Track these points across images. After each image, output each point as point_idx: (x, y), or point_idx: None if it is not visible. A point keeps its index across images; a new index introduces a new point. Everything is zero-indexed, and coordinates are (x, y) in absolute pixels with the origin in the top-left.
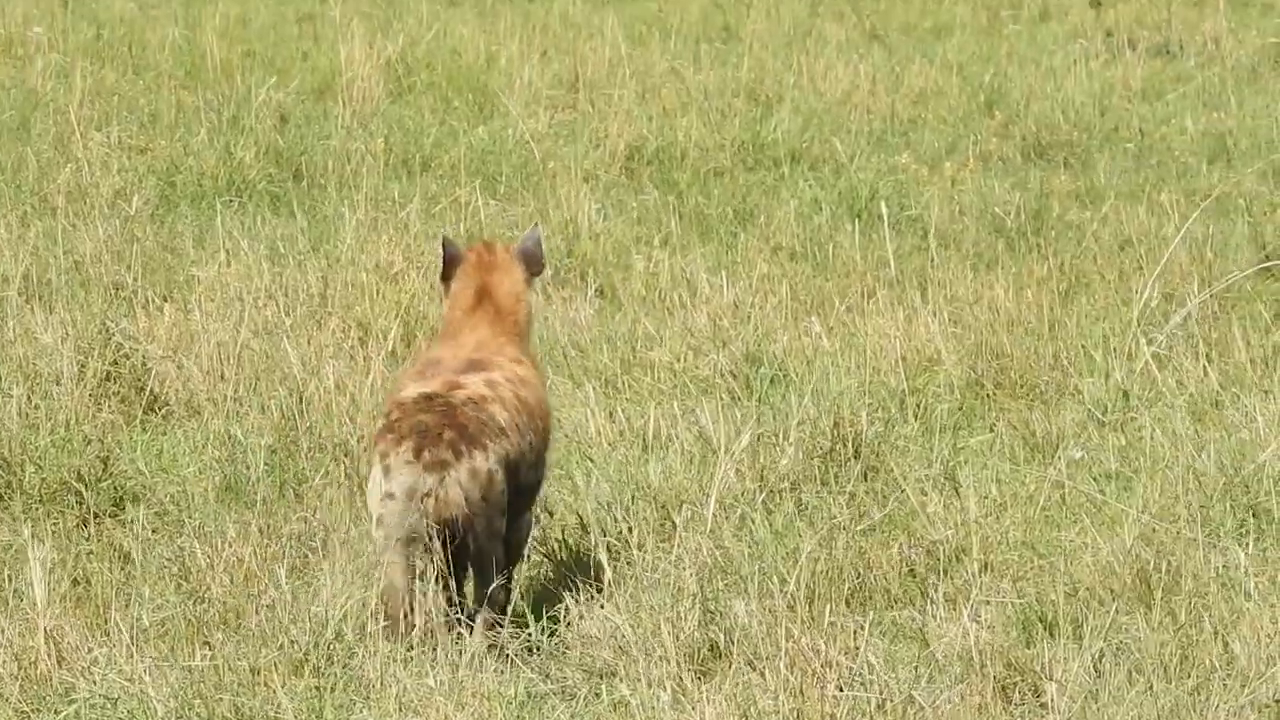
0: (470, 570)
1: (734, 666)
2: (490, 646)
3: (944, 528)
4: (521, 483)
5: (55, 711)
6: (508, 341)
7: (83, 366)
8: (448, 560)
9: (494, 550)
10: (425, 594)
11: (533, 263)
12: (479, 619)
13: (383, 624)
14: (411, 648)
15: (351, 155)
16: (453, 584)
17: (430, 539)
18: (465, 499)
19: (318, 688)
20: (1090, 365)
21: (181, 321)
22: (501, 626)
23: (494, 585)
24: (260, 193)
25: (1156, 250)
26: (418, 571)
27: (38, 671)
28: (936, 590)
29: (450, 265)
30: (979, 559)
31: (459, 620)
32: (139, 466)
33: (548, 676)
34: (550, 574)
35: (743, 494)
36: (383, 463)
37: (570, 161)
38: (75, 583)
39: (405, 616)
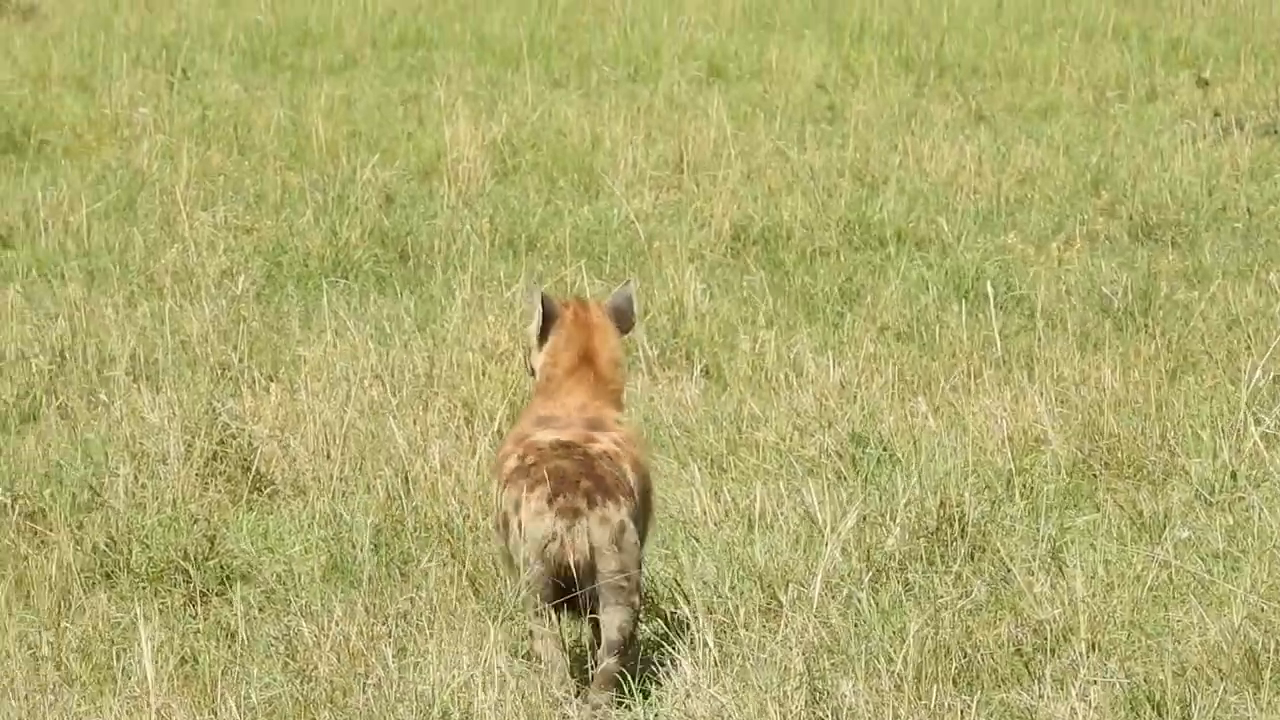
0: (600, 619)
1: None
2: (608, 702)
3: (1051, 607)
4: None
5: None
6: (606, 404)
7: (189, 446)
8: (576, 605)
9: (627, 600)
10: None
11: (623, 320)
12: (601, 670)
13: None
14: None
15: (457, 235)
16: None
17: (555, 584)
18: (591, 547)
19: None
20: (1198, 445)
21: (288, 401)
22: (620, 684)
23: (619, 638)
24: (366, 273)
25: (1265, 330)
26: (555, 607)
27: None
28: (1044, 670)
29: (548, 321)
30: (1086, 639)
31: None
32: (245, 546)
33: None
34: (657, 653)
35: (849, 573)
36: (517, 512)
37: (675, 241)
38: (183, 661)
39: (553, 646)
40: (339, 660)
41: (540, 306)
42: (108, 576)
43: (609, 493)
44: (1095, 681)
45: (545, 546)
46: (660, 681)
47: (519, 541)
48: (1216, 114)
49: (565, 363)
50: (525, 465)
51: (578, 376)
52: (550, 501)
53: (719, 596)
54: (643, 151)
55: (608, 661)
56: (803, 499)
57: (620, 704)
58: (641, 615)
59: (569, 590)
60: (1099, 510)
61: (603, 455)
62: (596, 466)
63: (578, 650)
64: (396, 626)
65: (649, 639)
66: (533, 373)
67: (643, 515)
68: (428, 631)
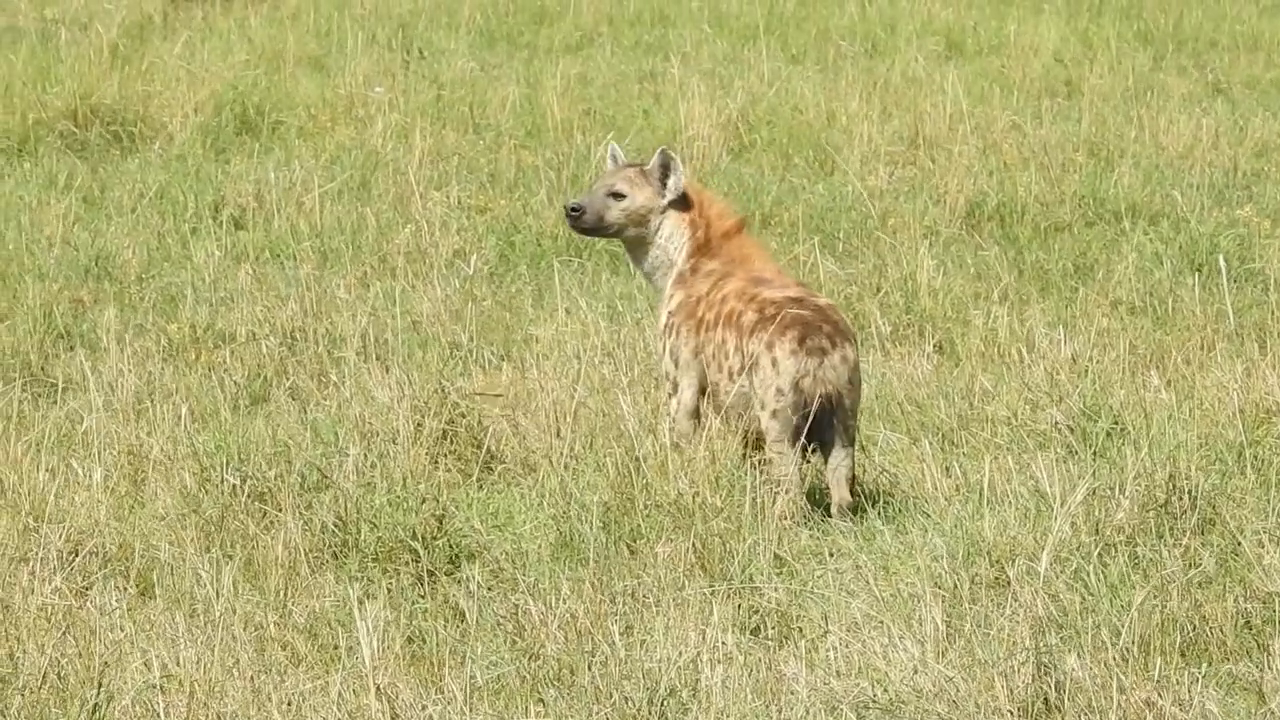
0: (833, 442)
1: None
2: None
3: None
4: None
5: None
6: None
7: (419, 425)
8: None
9: (852, 440)
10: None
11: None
12: (839, 500)
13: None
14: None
15: None
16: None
17: (812, 414)
18: (838, 379)
19: None
20: None
21: (518, 380)
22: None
23: (849, 474)
24: (599, 251)
25: None
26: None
27: None
28: (1272, 642)
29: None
30: None
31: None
32: (474, 524)
33: None
34: (884, 628)
35: (1078, 547)
36: (770, 352)
37: (909, 218)
38: (410, 640)
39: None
40: (566, 638)
41: (679, 169)
42: (335, 556)
43: (845, 335)
44: None
45: (799, 381)
46: (888, 657)
47: (770, 379)
48: None
49: (720, 225)
50: (767, 316)
51: (741, 239)
52: (801, 343)
53: (947, 571)
54: (878, 127)
55: (843, 493)
56: (1032, 473)
57: (848, 677)
58: None
59: (806, 423)
60: None
61: (828, 306)
62: (830, 313)
63: None
64: (623, 604)
65: (876, 615)
66: (639, 220)
67: None
68: (655, 609)
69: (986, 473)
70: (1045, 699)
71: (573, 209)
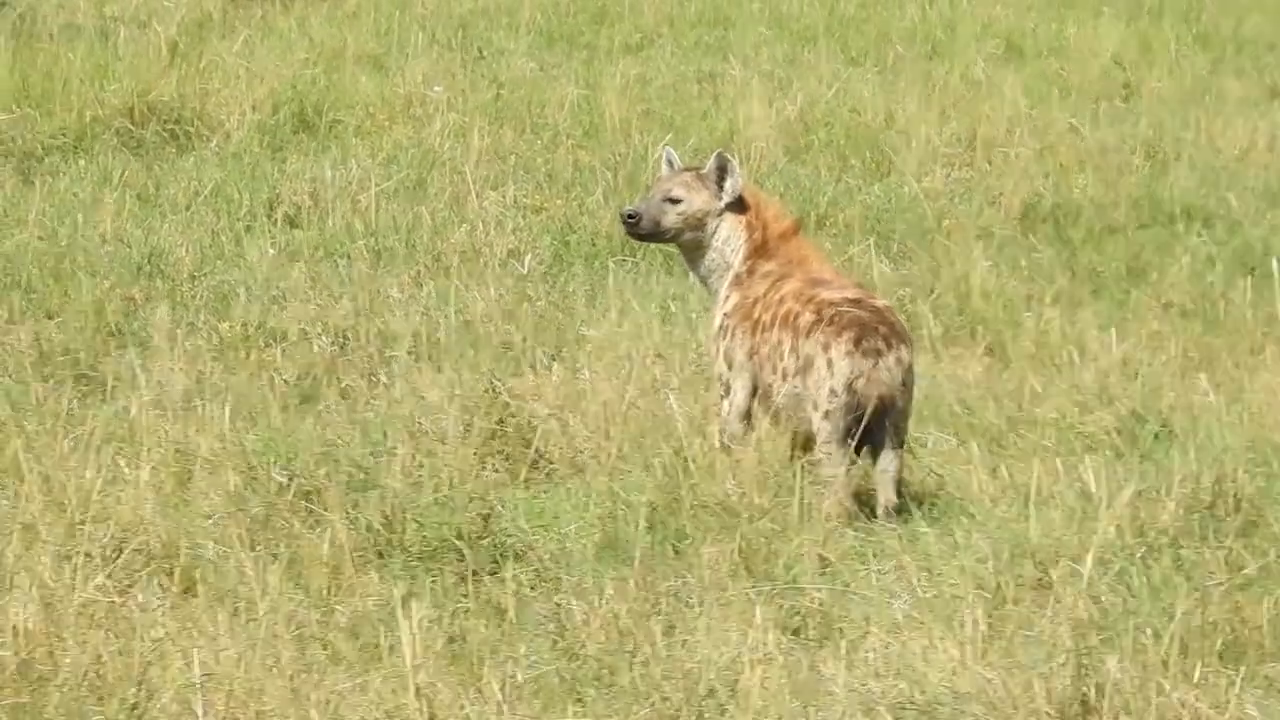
0: (883, 444)
1: None
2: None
3: None
4: None
5: None
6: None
7: (468, 425)
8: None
9: (902, 442)
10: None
11: None
12: (886, 502)
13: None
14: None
15: None
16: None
17: (865, 416)
18: (892, 381)
19: None
20: None
21: (569, 380)
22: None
23: (898, 476)
24: (653, 251)
25: None
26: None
27: None
28: None
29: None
30: None
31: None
32: (520, 524)
33: None
34: (925, 629)
35: (1121, 550)
36: (826, 353)
37: (964, 219)
38: (451, 640)
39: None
40: (607, 638)
41: (735, 171)
42: (380, 555)
43: (901, 338)
44: None
45: (853, 382)
46: (927, 658)
47: (824, 379)
48: None
49: (777, 227)
50: (825, 317)
51: (798, 241)
52: (857, 344)
53: (990, 572)
54: (936, 129)
55: (890, 495)
56: (1079, 475)
57: (886, 679)
58: None
59: (859, 425)
60: None
61: (886, 308)
62: (887, 315)
63: None
64: (666, 604)
65: (916, 616)
66: (696, 224)
67: None
68: (698, 609)
69: (1034, 475)
70: (1084, 700)
71: (629, 216)
